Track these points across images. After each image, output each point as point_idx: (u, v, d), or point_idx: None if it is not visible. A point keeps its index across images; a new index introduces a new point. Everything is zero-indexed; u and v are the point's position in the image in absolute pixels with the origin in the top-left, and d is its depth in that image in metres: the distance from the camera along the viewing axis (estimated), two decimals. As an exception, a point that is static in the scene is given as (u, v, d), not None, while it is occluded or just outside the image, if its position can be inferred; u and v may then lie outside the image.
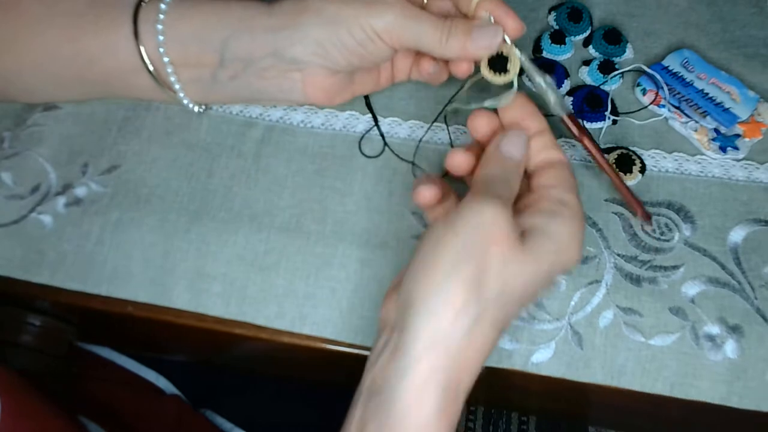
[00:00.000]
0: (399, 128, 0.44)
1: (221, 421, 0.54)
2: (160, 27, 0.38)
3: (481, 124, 0.36)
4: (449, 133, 0.43)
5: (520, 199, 0.34)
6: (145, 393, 0.52)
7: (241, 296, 0.39)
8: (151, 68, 0.39)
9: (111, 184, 0.42)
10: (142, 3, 0.39)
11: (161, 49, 0.38)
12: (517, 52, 0.37)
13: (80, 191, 0.42)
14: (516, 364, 0.37)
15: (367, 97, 0.44)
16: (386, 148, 0.43)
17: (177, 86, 0.40)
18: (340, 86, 0.40)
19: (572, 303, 0.38)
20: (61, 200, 0.41)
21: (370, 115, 0.44)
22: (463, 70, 0.38)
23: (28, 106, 0.45)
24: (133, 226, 0.40)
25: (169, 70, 0.39)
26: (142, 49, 0.38)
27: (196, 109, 0.43)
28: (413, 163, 0.42)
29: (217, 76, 0.39)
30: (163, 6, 0.38)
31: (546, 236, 0.31)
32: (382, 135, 0.43)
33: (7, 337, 0.42)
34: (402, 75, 0.42)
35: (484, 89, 0.39)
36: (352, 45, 0.37)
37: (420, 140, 0.43)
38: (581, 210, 0.33)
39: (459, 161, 0.35)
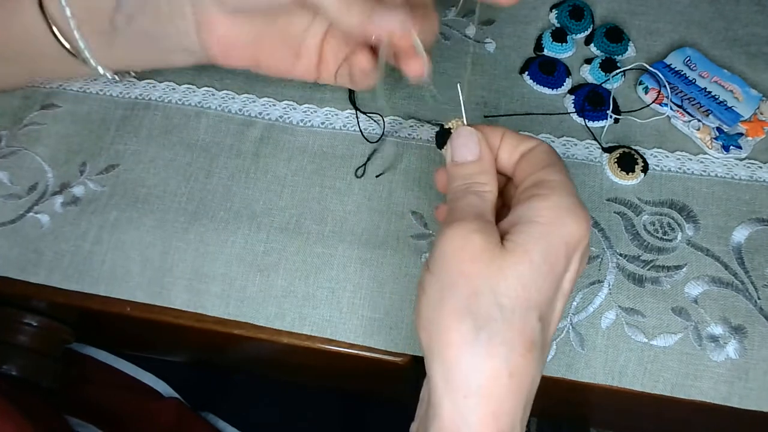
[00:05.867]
0: (399, 127, 0.43)
1: (223, 425, 0.54)
2: None
3: (443, 178, 0.34)
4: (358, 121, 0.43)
5: (509, 201, 0.33)
6: (144, 396, 0.52)
7: (240, 296, 0.39)
8: (54, 29, 0.38)
9: (109, 184, 0.42)
10: None
11: (62, 1, 0.37)
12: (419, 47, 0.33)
13: (78, 191, 0.41)
14: (517, 364, 0.37)
15: (351, 92, 0.44)
16: (383, 138, 0.43)
17: (81, 44, 0.38)
18: (238, 39, 0.36)
19: (574, 303, 0.38)
20: (59, 200, 0.41)
21: (370, 114, 0.44)
22: (363, 66, 0.36)
23: (25, 105, 0.45)
24: (131, 226, 0.40)
25: (72, 25, 0.38)
26: None
27: (108, 75, 0.41)
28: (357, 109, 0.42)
29: (116, 22, 0.37)
30: None
31: (525, 224, 0.28)
32: (361, 130, 0.43)
33: (4, 337, 0.42)
34: (326, 74, 0.39)
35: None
36: None
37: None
38: (566, 180, 0.30)
39: (440, 180, 0.34)
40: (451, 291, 0.28)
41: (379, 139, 0.43)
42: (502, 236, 0.29)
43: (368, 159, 0.42)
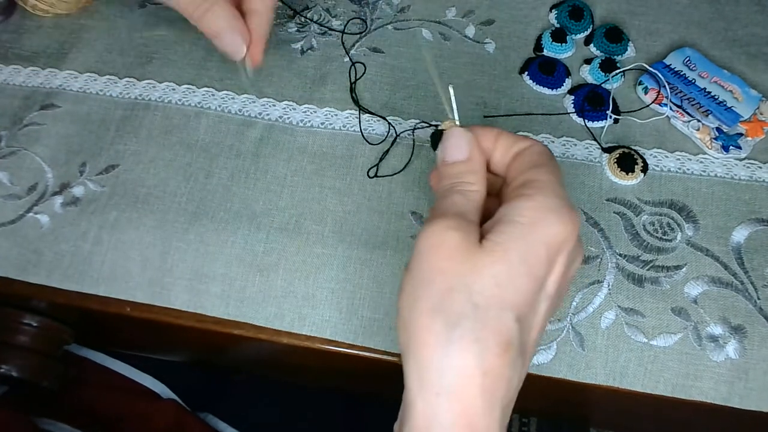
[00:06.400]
0: (399, 127, 0.43)
1: (223, 426, 0.54)
2: None
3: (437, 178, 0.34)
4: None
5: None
6: (141, 397, 0.51)
7: (240, 297, 0.39)
8: None
9: (109, 184, 0.42)
10: None
11: None
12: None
13: (78, 191, 0.41)
14: (517, 365, 0.37)
15: (352, 90, 0.44)
16: (390, 135, 0.43)
17: None
18: None
19: (574, 304, 0.38)
20: (59, 200, 0.41)
21: (369, 114, 0.44)
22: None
23: (25, 105, 0.45)
24: (131, 227, 0.40)
25: None
26: None
27: None
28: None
29: None
30: None
31: (506, 223, 0.28)
32: (361, 131, 0.43)
33: (3, 337, 0.42)
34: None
35: None
36: None
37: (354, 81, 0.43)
38: (554, 181, 0.29)
39: (435, 180, 0.33)
40: (426, 288, 0.27)
41: (383, 140, 0.43)
42: (484, 236, 0.28)
43: (381, 159, 0.42)
